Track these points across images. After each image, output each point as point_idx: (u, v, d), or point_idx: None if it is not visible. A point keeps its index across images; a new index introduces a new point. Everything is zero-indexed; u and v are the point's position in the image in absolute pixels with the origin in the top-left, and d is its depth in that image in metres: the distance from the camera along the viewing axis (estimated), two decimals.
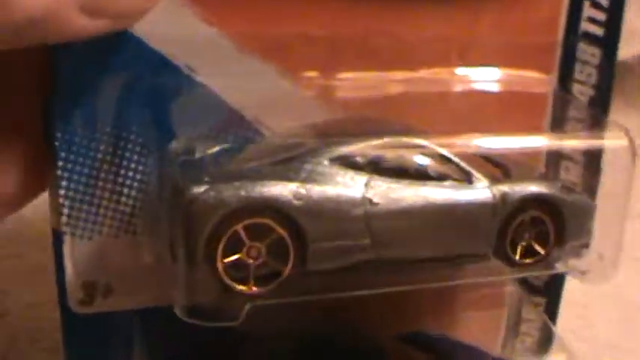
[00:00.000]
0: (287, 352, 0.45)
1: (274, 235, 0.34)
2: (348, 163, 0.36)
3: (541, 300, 0.48)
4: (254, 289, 0.34)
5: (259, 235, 0.34)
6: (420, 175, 0.37)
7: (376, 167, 0.36)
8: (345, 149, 0.36)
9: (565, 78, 0.46)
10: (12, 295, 0.58)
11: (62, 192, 0.38)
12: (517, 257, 0.39)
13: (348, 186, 0.35)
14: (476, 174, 0.38)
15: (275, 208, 0.34)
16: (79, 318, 0.40)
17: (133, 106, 0.38)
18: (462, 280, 0.39)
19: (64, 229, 0.38)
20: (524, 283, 0.47)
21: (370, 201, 0.35)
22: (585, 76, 0.46)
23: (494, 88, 0.45)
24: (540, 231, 0.39)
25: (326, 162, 0.36)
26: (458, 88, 0.44)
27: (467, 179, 0.38)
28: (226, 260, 0.34)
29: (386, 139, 0.37)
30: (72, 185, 0.38)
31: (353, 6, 0.41)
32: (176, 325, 0.39)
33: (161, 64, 0.38)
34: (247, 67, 0.40)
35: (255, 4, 0.39)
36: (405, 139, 0.37)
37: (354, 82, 0.42)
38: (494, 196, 0.38)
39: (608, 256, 0.41)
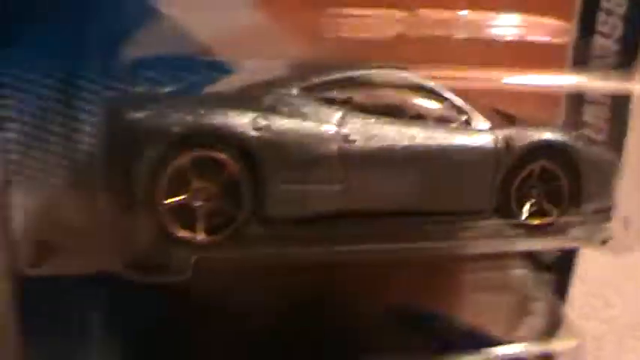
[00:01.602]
0: (266, 330, 0.38)
1: (227, 172, 0.28)
2: (321, 94, 0.30)
3: (550, 277, 0.40)
4: (202, 237, 0.28)
5: (209, 172, 0.28)
6: (407, 113, 0.30)
7: (355, 101, 0.30)
8: (318, 79, 0.30)
9: (586, 28, 0.39)
10: None
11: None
12: (524, 216, 0.32)
13: (320, 119, 0.29)
14: (476, 114, 0.31)
15: (228, 138, 0.27)
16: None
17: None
18: (454, 241, 0.32)
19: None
20: (530, 257, 0.39)
21: (346, 137, 0.29)
22: (609, 28, 0.39)
23: (506, 35, 0.38)
24: (552, 187, 0.32)
25: (295, 91, 0.29)
26: (463, 33, 0.38)
27: (464, 120, 0.31)
28: (169, 201, 0.27)
29: (370, 70, 0.30)
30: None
31: None
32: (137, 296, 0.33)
33: None
34: None
35: None
36: (393, 71, 0.31)
37: (349, 21, 0.36)
38: (496, 141, 0.31)
39: (634, 221, 0.34)
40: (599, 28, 0.39)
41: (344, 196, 0.29)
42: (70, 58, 0.31)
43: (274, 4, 0.35)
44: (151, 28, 0.33)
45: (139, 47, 0.33)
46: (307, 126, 0.28)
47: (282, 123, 0.28)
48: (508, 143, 0.31)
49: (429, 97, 0.31)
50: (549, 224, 0.32)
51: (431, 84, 0.31)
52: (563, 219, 0.32)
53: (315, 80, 0.30)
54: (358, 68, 0.30)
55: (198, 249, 0.28)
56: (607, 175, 0.33)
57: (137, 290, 0.32)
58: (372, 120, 0.30)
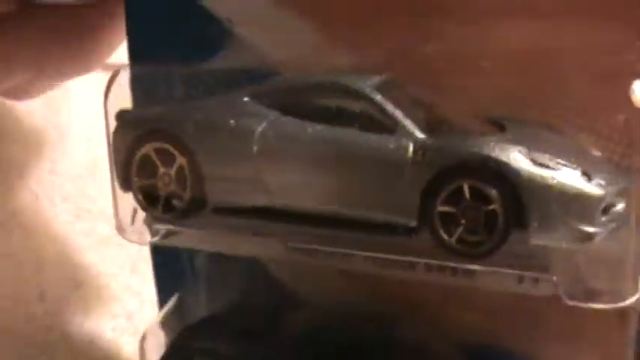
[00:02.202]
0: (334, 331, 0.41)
1: (177, 162, 0.33)
2: (267, 100, 0.32)
3: None
4: (159, 213, 0.34)
5: (168, 162, 0.33)
6: (334, 117, 0.31)
7: (290, 106, 0.32)
8: (267, 87, 0.33)
9: None
10: None
11: None
12: (451, 238, 0.28)
13: (253, 122, 0.32)
14: (407, 123, 0.29)
15: (174, 134, 0.33)
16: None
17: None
18: (385, 254, 0.30)
19: None
20: None
21: (265, 138, 0.31)
22: None
23: None
24: (484, 210, 0.28)
25: (246, 98, 0.33)
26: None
27: (392, 127, 0.30)
28: (142, 182, 0.34)
29: (314, 79, 0.32)
30: None
31: None
32: (228, 273, 0.40)
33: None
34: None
35: None
36: (339, 81, 0.31)
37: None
38: (415, 151, 0.29)
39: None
40: None
41: (266, 194, 0.31)
42: None
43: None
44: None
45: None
46: (238, 125, 0.32)
47: (217, 122, 0.32)
48: (428, 155, 0.28)
49: (361, 103, 0.30)
50: (483, 253, 0.28)
51: (366, 90, 0.30)
52: (498, 247, 0.28)
53: (265, 88, 0.32)
54: (301, 76, 0.32)
55: (159, 221, 0.34)
56: (564, 207, 0.27)
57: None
58: (296, 122, 0.31)
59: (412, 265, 0.32)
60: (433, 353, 0.36)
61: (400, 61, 0.37)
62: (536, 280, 0.31)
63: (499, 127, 0.31)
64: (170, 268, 0.42)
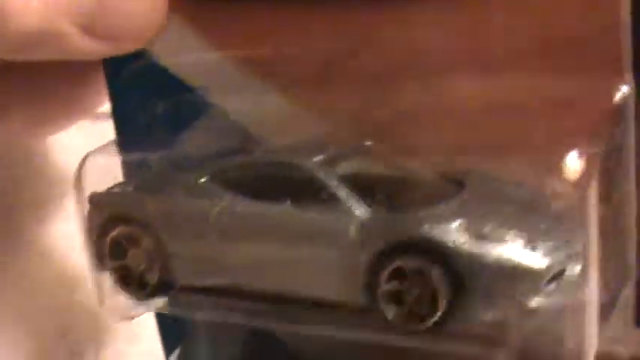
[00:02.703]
0: None
1: (144, 243, 0.34)
2: (222, 179, 0.33)
3: None
4: (136, 292, 0.35)
5: (137, 243, 0.34)
6: (286, 195, 0.31)
7: (243, 184, 0.32)
8: (224, 167, 0.33)
9: None
10: None
11: None
12: (399, 319, 0.28)
13: (209, 204, 0.32)
14: (351, 201, 0.29)
15: (139, 218, 0.34)
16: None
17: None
18: (337, 332, 0.30)
19: None
20: None
21: (220, 220, 0.32)
22: None
23: None
24: (427, 290, 0.27)
25: (204, 178, 0.33)
26: None
27: (336, 205, 0.30)
28: (114, 264, 0.35)
29: (261, 156, 0.32)
30: None
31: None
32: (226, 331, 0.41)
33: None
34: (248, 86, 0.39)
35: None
36: (286, 159, 0.32)
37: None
38: (360, 231, 0.29)
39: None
40: None
41: (227, 274, 0.32)
42: None
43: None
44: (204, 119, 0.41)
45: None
46: (198, 209, 0.32)
47: (179, 206, 0.33)
48: (370, 232, 0.28)
49: (309, 182, 0.31)
50: (429, 330, 0.28)
51: (312, 167, 0.31)
52: (445, 325, 0.27)
53: (221, 167, 0.33)
54: (255, 154, 0.33)
55: (135, 299, 0.35)
56: (506, 283, 0.26)
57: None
58: (250, 205, 0.31)
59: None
60: None
61: (361, 121, 0.38)
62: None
63: (458, 184, 0.30)
64: (172, 322, 0.44)
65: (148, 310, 0.36)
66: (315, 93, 0.38)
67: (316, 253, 0.30)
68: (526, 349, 0.28)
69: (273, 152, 0.33)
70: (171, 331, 0.46)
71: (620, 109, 0.31)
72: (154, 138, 0.40)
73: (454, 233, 0.27)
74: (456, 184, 0.31)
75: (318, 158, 0.31)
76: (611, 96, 0.31)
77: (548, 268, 0.27)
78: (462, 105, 0.34)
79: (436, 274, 0.27)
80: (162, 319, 0.45)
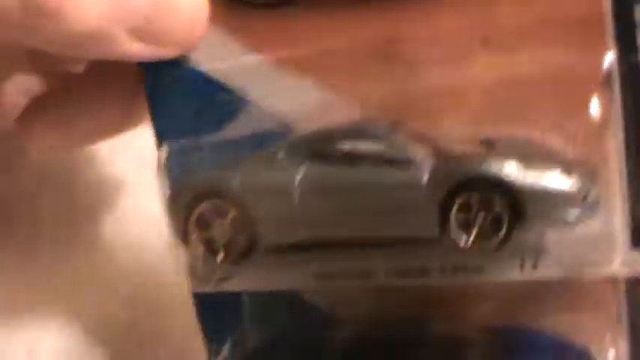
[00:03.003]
0: (374, 339, 0.47)
1: (230, 215, 0.40)
2: (299, 153, 0.39)
3: None
4: (220, 260, 0.40)
5: (222, 214, 0.40)
6: (359, 160, 0.37)
7: (319, 154, 0.38)
8: (297, 142, 0.39)
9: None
10: None
11: None
12: (468, 242, 0.35)
13: (291, 173, 0.38)
14: (419, 157, 0.36)
15: (224, 190, 0.39)
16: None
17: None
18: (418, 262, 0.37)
19: None
20: None
21: (302, 186, 0.38)
22: None
23: None
24: (492, 215, 0.35)
25: (281, 154, 0.40)
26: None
27: (406, 161, 0.37)
28: (200, 235, 0.40)
29: (335, 130, 0.39)
30: None
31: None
32: (271, 310, 0.46)
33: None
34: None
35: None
36: (356, 128, 0.38)
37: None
38: (429, 177, 0.36)
39: None
40: None
41: (310, 229, 0.38)
42: None
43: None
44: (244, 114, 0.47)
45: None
46: (279, 179, 0.39)
47: (262, 180, 0.39)
48: (438, 177, 0.36)
49: (380, 145, 0.37)
50: (493, 249, 0.35)
51: (380, 133, 0.38)
52: (511, 240, 0.35)
53: (295, 141, 0.39)
54: (324, 129, 0.39)
55: (219, 268, 0.40)
56: (552, 202, 0.34)
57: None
58: (325, 169, 0.38)
59: (427, 273, 0.39)
60: (466, 338, 0.42)
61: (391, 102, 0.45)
62: (535, 267, 0.38)
63: (490, 145, 0.38)
64: (216, 316, 0.48)
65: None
66: (347, 82, 0.44)
67: (395, 200, 0.37)
68: (571, 257, 0.35)
69: (340, 126, 0.40)
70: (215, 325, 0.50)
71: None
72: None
73: (509, 167, 0.35)
74: (487, 143, 0.39)
75: (381, 126, 0.38)
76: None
77: (581, 187, 0.35)
78: (479, 83, 0.42)
79: (497, 201, 0.35)
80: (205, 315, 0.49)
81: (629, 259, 0.39)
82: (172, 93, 0.46)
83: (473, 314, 0.45)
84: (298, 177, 0.38)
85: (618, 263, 0.39)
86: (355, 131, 0.38)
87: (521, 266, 0.38)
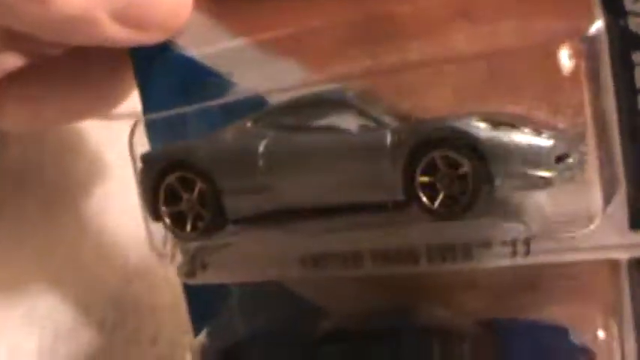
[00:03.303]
0: (361, 330, 0.45)
1: (197, 186, 0.38)
2: (265, 122, 0.38)
3: None
4: (188, 232, 0.39)
5: (190, 187, 0.39)
6: (324, 126, 0.36)
7: (285, 124, 0.37)
8: (264, 112, 0.38)
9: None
10: None
11: None
12: (435, 205, 0.33)
13: (255, 141, 0.37)
14: (387, 119, 0.35)
15: (191, 163, 0.38)
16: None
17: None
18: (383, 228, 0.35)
19: None
20: None
21: (266, 153, 0.36)
22: None
23: None
24: (457, 174, 0.33)
25: (249, 123, 0.38)
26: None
27: (372, 124, 0.35)
28: (170, 209, 0.39)
29: (301, 98, 0.37)
30: None
31: None
32: (261, 300, 0.45)
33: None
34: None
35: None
36: (322, 95, 0.37)
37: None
38: (392, 138, 0.34)
39: None
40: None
41: (276, 199, 0.37)
42: None
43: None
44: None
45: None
46: (244, 147, 0.37)
47: (227, 148, 0.38)
48: (400, 139, 0.34)
49: (349, 112, 0.36)
50: (465, 208, 0.33)
51: (347, 99, 0.36)
52: (478, 201, 0.32)
53: (261, 113, 0.38)
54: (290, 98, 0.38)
55: (188, 240, 0.39)
56: (520, 160, 0.32)
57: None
58: (293, 136, 0.36)
59: (416, 259, 0.37)
60: (456, 329, 0.40)
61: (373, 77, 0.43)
62: (527, 252, 0.35)
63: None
64: (203, 302, 0.47)
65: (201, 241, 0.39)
66: (330, 60, 0.44)
67: (358, 164, 0.35)
68: (546, 218, 0.33)
69: (306, 94, 0.38)
70: (201, 309, 0.49)
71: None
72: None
73: (475, 124, 0.33)
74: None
75: (350, 93, 0.37)
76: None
77: (554, 146, 0.33)
78: (461, 56, 0.40)
79: (463, 159, 0.33)
80: (192, 298, 0.48)
81: (629, 241, 0.36)
82: (161, 78, 0.46)
83: (463, 305, 0.43)
84: (262, 145, 0.37)
85: (617, 245, 0.36)
86: (322, 99, 0.37)
87: (513, 252, 0.35)
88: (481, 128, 0.33)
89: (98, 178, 0.52)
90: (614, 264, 0.38)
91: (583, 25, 0.37)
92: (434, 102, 0.41)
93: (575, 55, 0.35)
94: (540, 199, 0.33)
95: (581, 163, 0.33)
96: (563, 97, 0.36)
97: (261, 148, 0.37)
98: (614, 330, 0.37)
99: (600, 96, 0.36)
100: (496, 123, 0.33)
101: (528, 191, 0.33)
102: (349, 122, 0.36)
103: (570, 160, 0.33)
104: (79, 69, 0.44)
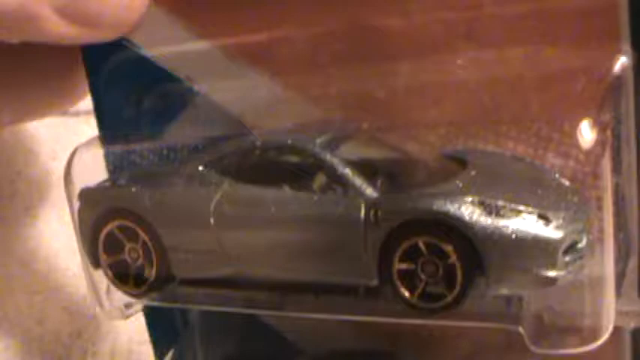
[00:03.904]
0: None
1: (140, 237, 0.32)
2: (219, 167, 0.32)
3: None
4: (131, 288, 0.33)
5: (133, 237, 0.33)
6: (287, 181, 0.30)
7: (244, 171, 0.31)
8: (219, 153, 0.32)
9: None
10: None
11: None
12: (414, 298, 0.27)
13: (207, 192, 0.31)
14: (357, 182, 0.28)
15: (133, 211, 0.32)
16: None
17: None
18: (350, 315, 0.29)
19: None
20: None
21: (220, 208, 0.30)
22: None
23: None
24: (445, 264, 0.26)
25: (200, 167, 0.32)
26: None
27: (343, 186, 0.28)
28: (110, 259, 0.33)
29: (259, 141, 0.31)
30: None
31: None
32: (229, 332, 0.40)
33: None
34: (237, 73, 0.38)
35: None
36: (288, 142, 0.30)
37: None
38: (368, 212, 0.27)
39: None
40: None
41: (229, 264, 0.31)
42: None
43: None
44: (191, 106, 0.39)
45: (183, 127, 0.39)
46: (194, 198, 0.31)
47: (173, 197, 0.31)
48: (381, 214, 0.27)
49: (312, 164, 0.29)
50: (447, 306, 0.27)
51: (316, 150, 0.29)
52: (463, 301, 0.26)
53: (217, 154, 0.32)
54: (251, 138, 0.31)
55: (131, 296, 0.33)
56: (522, 256, 0.25)
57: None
58: (250, 190, 0.30)
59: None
60: None
61: (355, 103, 0.37)
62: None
63: (461, 163, 0.29)
64: (164, 325, 0.42)
65: (147, 303, 0.34)
66: (306, 76, 0.37)
67: (324, 237, 0.28)
68: (544, 323, 0.27)
69: (269, 137, 0.32)
70: (163, 333, 0.44)
71: (620, 79, 0.30)
72: (140, 131, 0.39)
73: (469, 208, 0.26)
74: (457, 162, 0.30)
75: (318, 140, 0.30)
76: (610, 67, 0.30)
77: (563, 239, 0.26)
78: (459, 80, 0.33)
79: (452, 249, 0.26)
80: (154, 322, 0.43)
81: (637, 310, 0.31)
82: (114, 80, 0.39)
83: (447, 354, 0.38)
84: (215, 199, 0.31)
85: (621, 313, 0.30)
86: (288, 146, 0.30)
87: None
88: (476, 213, 0.26)
89: (53, 179, 0.46)
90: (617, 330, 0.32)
91: (608, 59, 0.31)
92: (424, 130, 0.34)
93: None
94: (542, 298, 0.27)
95: (591, 251, 0.27)
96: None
97: (212, 204, 0.30)
98: None
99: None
100: (495, 207, 0.26)
101: (525, 292, 0.26)
102: (317, 179, 0.29)
103: (580, 246, 0.27)
104: (32, 67, 0.39)
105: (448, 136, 0.34)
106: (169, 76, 0.39)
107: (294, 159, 0.30)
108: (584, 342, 0.26)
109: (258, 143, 0.31)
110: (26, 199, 0.47)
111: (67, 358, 0.47)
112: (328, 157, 0.29)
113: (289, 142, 0.30)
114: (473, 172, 0.29)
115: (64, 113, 0.46)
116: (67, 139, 0.46)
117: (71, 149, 0.45)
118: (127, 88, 0.39)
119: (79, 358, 0.47)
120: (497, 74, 0.33)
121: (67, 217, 0.46)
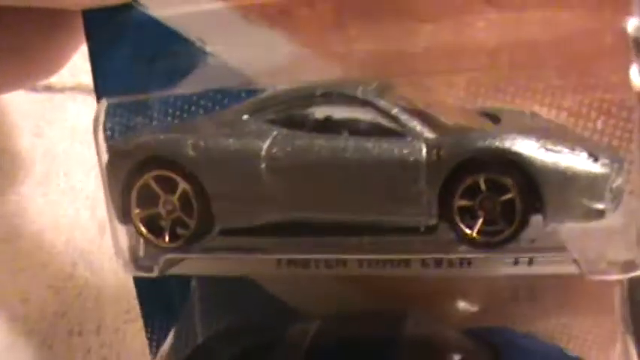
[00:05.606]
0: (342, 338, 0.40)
1: (180, 188, 0.32)
2: (267, 116, 0.31)
3: None
4: (166, 242, 0.32)
5: (170, 189, 0.32)
6: (340, 127, 0.30)
7: (293, 119, 0.31)
8: (265, 102, 0.32)
9: None
10: None
11: None
12: (473, 233, 0.28)
13: (257, 140, 0.31)
14: (415, 124, 0.29)
15: (173, 160, 0.31)
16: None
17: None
18: (409, 254, 0.30)
19: None
20: None
21: (271, 155, 0.30)
22: None
23: None
24: (504, 200, 0.28)
25: (245, 116, 0.32)
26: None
27: (401, 131, 0.29)
28: (142, 212, 0.32)
29: (313, 90, 0.31)
30: None
31: None
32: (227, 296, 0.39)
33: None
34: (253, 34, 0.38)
35: None
36: (339, 90, 0.31)
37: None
38: (429, 152, 0.28)
39: None
40: None
41: (280, 210, 0.30)
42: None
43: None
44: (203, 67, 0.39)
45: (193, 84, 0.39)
46: (242, 146, 0.31)
47: (218, 144, 0.31)
48: (442, 154, 0.28)
49: (368, 111, 0.30)
50: (506, 240, 0.28)
51: (369, 97, 0.30)
52: (521, 234, 0.28)
53: (264, 103, 0.31)
54: (298, 87, 0.31)
55: (165, 251, 0.32)
56: (577, 189, 0.27)
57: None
58: (301, 136, 0.30)
59: (407, 262, 0.32)
60: (444, 342, 0.36)
61: (377, 61, 0.37)
62: (530, 261, 0.31)
63: (493, 118, 0.31)
64: (159, 301, 0.41)
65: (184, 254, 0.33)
66: (326, 36, 0.37)
67: (383, 179, 0.29)
68: (596, 254, 0.29)
69: (324, 85, 0.32)
70: (157, 308, 0.43)
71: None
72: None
73: (526, 144, 0.28)
74: (491, 117, 0.32)
75: (364, 89, 0.30)
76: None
77: (610, 175, 0.28)
78: (480, 44, 0.34)
79: (511, 183, 0.28)
80: (147, 297, 0.42)
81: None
82: (118, 42, 0.38)
83: (455, 313, 0.39)
84: (266, 145, 0.30)
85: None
86: (337, 93, 0.31)
87: (515, 260, 0.31)
88: (535, 150, 0.28)
89: (38, 155, 0.44)
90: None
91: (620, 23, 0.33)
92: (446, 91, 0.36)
93: None
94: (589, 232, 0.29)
95: (623, 190, 0.29)
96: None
97: (264, 150, 0.30)
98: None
99: None
100: (550, 145, 0.28)
101: (579, 223, 0.28)
102: (366, 120, 0.30)
103: (618, 185, 0.29)
104: (9, 35, 0.37)
105: (468, 98, 0.36)
106: (179, 38, 0.39)
107: (346, 106, 0.30)
108: (627, 270, 0.29)
109: (309, 92, 0.31)
110: (10, 176, 0.44)
111: (52, 336, 0.45)
112: (382, 102, 0.30)
113: (340, 89, 0.30)
114: (510, 123, 0.30)
115: (49, 89, 0.44)
116: (51, 115, 0.44)
117: (56, 125, 0.44)
118: (131, 50, 0.38)
119: (65, 337, 0.45)
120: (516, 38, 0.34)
121: (53, 195, 0.44)
